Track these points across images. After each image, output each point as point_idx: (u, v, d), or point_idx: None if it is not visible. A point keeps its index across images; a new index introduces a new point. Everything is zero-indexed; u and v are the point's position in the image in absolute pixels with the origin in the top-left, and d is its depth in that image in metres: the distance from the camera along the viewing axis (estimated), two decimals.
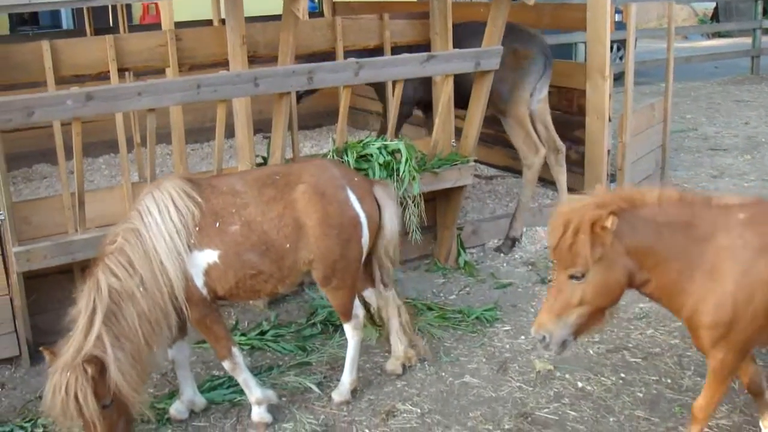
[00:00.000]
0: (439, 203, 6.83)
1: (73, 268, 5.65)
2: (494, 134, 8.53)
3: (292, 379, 5.25)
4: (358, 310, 4.99)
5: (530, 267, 6.90)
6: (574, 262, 3.78)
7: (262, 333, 5.83)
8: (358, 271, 4.82)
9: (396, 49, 6.55)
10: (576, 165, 7.68)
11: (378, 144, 5.82)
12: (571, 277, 3.81)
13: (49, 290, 5.67)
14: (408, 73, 5.69)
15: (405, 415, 4.86)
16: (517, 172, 8.50)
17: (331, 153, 5.76)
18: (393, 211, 4.83)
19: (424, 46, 6.55)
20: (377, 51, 6.44)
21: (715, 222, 3.85)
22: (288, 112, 5.54)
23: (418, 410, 4.89)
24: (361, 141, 5.91)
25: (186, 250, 4.25)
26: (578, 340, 4.43)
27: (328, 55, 6.26)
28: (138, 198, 4.36)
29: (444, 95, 6.03)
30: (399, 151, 5.85)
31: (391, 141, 5.88)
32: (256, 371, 5.28)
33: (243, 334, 5.78)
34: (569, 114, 7.89)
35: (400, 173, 5.79)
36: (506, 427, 4.70)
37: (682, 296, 3.87)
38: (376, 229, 4.81)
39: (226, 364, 4.62)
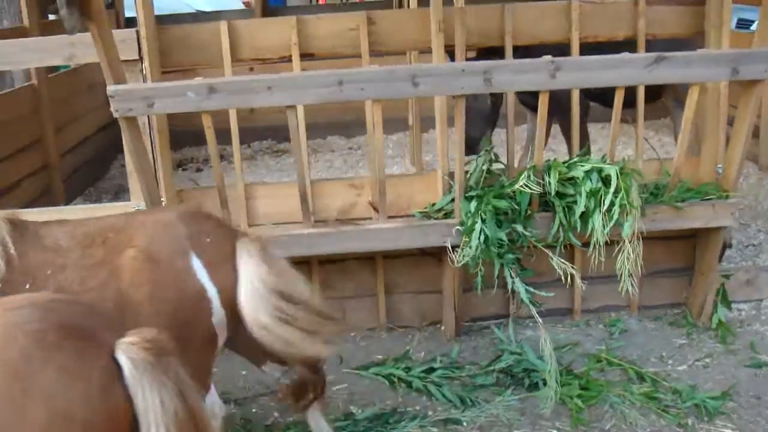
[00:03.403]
0: (699, 241, 5.35)
1: None
2: None
3: None
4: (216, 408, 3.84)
5: None
6: None
7: (430, 370, 5.00)
8: (208, 361, 3.64)
9: (654, 44, 5.15)
10: None
11: (587, 166, 4.60)
12: None
13: None
14: (628, 78, 4.37)
15: None
16: None
17: (526, 173, 4.67)
18: (249, 275, 3.46)
19: (692, 42, 5.09)
20: (627, 44, 5.10)
21: None
22: (463, 115, 4.57)
23: None
24: (568, 160, 4.73)
25: None
26: None
27: (561, 48, 5.08)
28: None
29: (689, 108, 4.58)
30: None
31: (608, 163, 4.62)
32: (396, 417, 4.53)
33: (407, 370, 5.00)
34: None
35: (612, 206, 4.53)
36: None
37: None
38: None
39: None
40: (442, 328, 5.45)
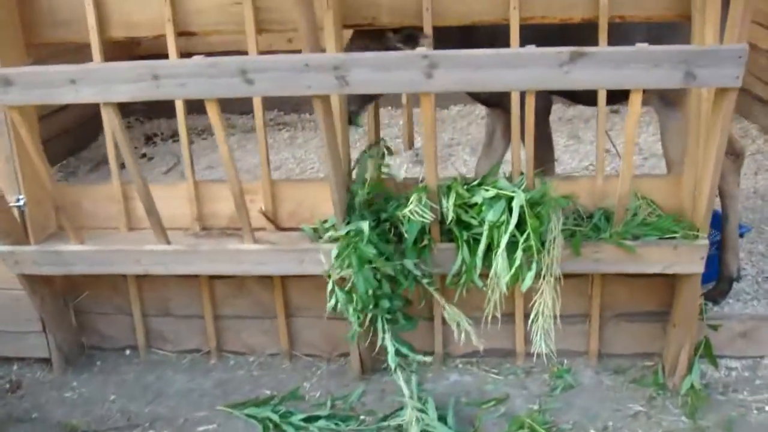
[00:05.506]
0: (677, 282, 4.17)
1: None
2: None
3: None
4: None
5: None
6: None
7: (314, 419, 4.13)
8: None
9: (625, 29, 3.94)
10: None
11: (492, 192, 3.53)
12: None
13: (104, 290, 4.71)
14: (534, 80, 3.24)
15: None
16: None
17: (417, 195, 3.63)
18: None
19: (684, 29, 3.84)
20: (585, 29, 3.90)
21: None
22: (332, 118, 3.58)
23: None
24: (471, 182, 3.66)
25: None
26: None
27: (495, 32, 3.95)
28: None
29: (630, 117, 3.42)
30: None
31: (519, 187, 3.53)
32: None
33: (287, 415, 4.14)
34: None
35: (514, 246, 3.47)
36: None
37: None
38: None
39: None
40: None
